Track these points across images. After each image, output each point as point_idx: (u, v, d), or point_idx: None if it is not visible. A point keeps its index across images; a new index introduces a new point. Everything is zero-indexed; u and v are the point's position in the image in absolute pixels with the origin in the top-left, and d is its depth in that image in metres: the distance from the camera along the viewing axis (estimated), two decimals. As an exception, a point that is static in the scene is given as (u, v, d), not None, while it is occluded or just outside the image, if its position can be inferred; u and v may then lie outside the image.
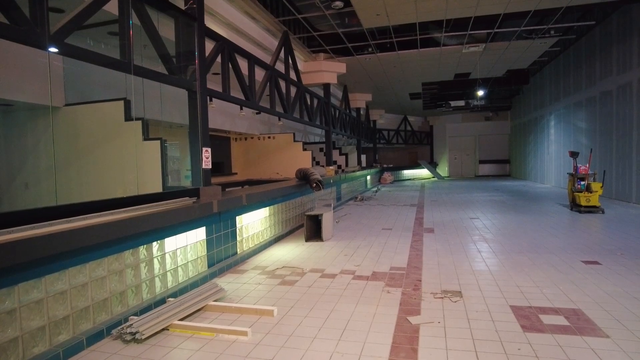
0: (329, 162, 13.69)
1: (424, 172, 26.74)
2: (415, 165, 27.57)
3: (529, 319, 3.39)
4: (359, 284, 4.48)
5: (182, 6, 5.49)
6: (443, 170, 28.83)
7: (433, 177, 26.52)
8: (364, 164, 20.50)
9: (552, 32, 12.19)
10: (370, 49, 13.01)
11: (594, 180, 9.57)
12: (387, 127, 27.60)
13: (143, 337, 3.11)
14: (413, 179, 25.57)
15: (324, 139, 14.59)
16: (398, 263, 5.34)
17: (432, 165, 28.29)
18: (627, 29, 10.89)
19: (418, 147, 29.72)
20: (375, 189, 18.58)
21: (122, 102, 5.90)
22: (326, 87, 13.77)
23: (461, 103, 20.97)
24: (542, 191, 15.30)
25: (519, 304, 3.74)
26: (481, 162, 27.69)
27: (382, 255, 5.82)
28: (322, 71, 13.52)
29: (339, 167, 16.15)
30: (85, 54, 3.83)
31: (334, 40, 12.17)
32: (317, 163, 14.88)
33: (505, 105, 25.24)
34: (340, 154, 16.55)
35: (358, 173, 16.15)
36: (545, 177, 18.44)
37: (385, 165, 25.04)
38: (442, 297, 3.96)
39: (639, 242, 6.21)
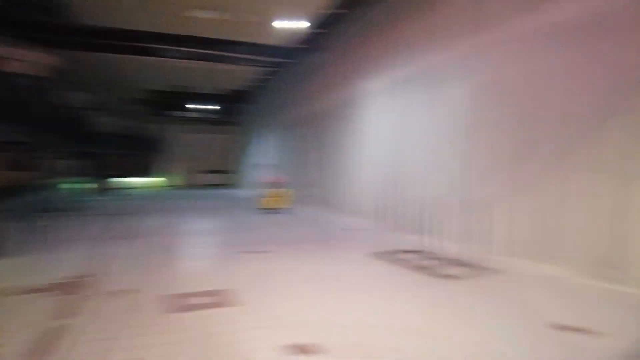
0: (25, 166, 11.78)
1: (152, 180, 26.35)
2: (143, 173, 26.70)
3: (180, 302, 4.13)
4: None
5: None
6: (172, 178, 28.85)
7: (161, 186, 26.40)
8: (81, 171, 18.49)
9: (259, 63, 14.55)
10: (86, 46, 12.17)
11: (280, 188, 12.07)
12: (115, 131, 25.59)
13: None
14: (140, 188, 24.79)
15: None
16: (77, 271, 5.30)
17: (161, 173, 27.99)
18: (311, 70, 14.03)
19: (148, 154, 28.72)
20: (93, 198, 16.99)
21: None
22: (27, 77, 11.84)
23: (187, 114, 21.89)
24: (247, 197, 17.59)
25: (179, 292, 4.47)
26: (208, 171, 29.25)
27: (62, 265, 5.64)
28: (23, 60, 11.56)
29: (42, 173, 14.00)
30: None
31: (48, 30, 10.88)
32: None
33: (234, 120, 27.70)
34: (51, 158, 14.39)
35: (69, 181, 14.50)
36: (253, 185, 21.23)
37: (109, 173, 23.12)
38: (107, 296, 4.27)
39: (292, 235, 8.31)
